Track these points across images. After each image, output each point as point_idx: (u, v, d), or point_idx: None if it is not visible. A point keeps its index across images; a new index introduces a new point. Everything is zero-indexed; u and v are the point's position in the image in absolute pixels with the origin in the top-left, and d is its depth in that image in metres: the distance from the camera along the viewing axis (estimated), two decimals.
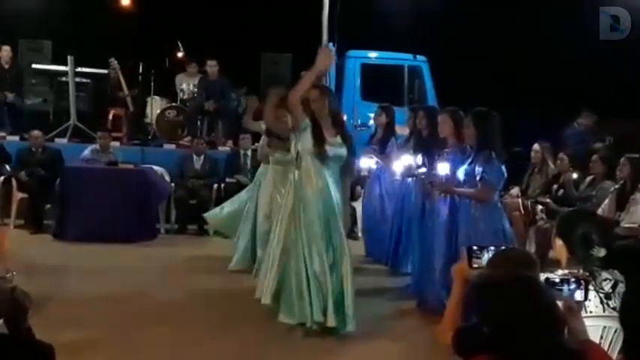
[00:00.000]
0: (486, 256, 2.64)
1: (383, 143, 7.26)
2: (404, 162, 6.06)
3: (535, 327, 2.01)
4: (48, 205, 8.56)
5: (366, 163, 7.34)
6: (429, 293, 5.40)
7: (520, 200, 7.52)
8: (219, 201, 8.89)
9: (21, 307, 2.08)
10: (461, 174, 4.99)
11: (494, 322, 2.06)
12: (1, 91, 10.13)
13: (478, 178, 4.80)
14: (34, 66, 10.65)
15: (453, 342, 2.39)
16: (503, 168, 4.88)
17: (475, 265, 2.65)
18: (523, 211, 7.39)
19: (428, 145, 6.01)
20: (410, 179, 6.32)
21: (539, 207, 7.29)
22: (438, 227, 5.27)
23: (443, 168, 5.17)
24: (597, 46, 10.70)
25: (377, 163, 7.21)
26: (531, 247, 6.95)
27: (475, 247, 2.69)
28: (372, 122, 10.56)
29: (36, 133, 8.95)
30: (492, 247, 2.69)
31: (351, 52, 10.97)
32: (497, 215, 4.94)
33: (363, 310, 5.71)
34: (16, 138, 9.74)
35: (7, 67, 10.36)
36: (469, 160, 4.96)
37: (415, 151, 6.08)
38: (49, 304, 5.30)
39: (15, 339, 2.00)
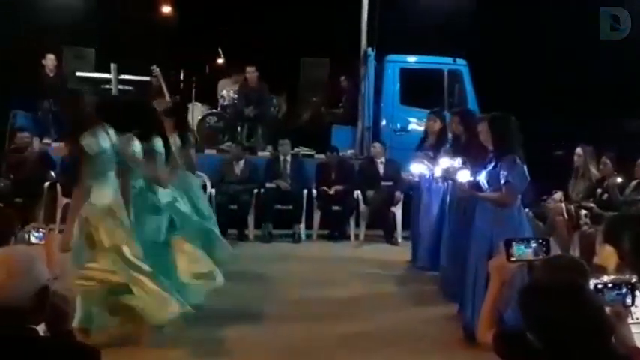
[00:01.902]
0: (526, 250, 2.61)
1: (436, 149, 7.19)
2: (443, 165, 6.03)
3: (583, 333, 1.98)
4: None
5: (417, 168, 7.31)
6: (465, 299, 5.34)
7: (563, 205, 7.40)
8: (259, 206, 8.96)
9: (60, 311, 2.12)
10: (482, 178, 4.97)
11: (542, 327, 2.04)
12: (45, 98, 10.34)
13: (503, 182, 4.78)
14: (78, 74, 10.81)
15: (494, 345, 2.37)
16: (526, 171, 4.85)
17: (513, 258, 2.62)
18: (567, 216, 7.27)
19: (465, 148, 5.97)
20: (449, 182, 6.28)
21: (583, 212, 7.17)
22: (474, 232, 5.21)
23: (464, 175, 5.16)
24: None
25: (428, 168, 7.16)
26: (575, 252, 6.83)
27: (514, 241, 2.66)
28: (412, 127, 10.55)
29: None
30: (533, 240, 2.66)
31: (390, 57, 10.92)
32: (519, 219, 4.90)
33: (405, 315, 5.77)
34: (61, 145, 9.92)
35: (51, 75, 10.57)
36: (492, 165, 4.94)
37: (454, 155, 6.04)
38: None
39: (58, 342, 2.03)
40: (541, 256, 2.66)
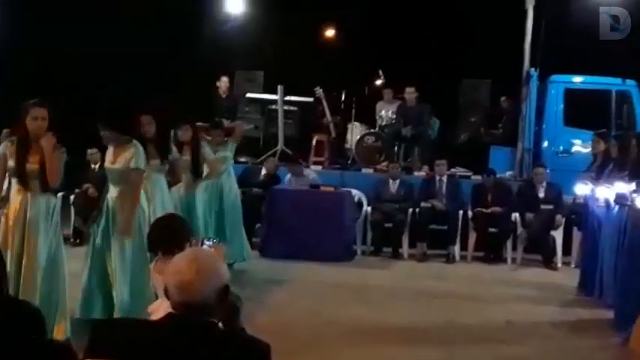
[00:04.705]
0: None
1: (600, 170, 6.98)
2: (617, 189, 5.83)
3: None
4: (258, 225, 8.97)
5: (582, 190, 7.11)
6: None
7: None
8: (414, 225, 9.06)
9: (234, 308, 2.37)
10: None
11: None
12: (218, 118, 11.09)
13: None
14: (248, 95, 11.52)
15: None
16: None
17: None
18: None
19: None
20: (619, 207, 6.04)
21: None
22: None
23: None
24: None
25: (592, 190, 6.96)
26: None
27: None
28: (575, 149, 10.23)
29: (271, 159, 9.89)
30: None
31: (554, 77, 10.66)
32: None
33: (565, 343, 5.59)
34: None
35: (224, 96, 11.34)
36: None
37: (630, 179, 5.81)
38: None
39: (235, 335, 2.28)
40: None
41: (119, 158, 5.22)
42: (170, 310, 2.21)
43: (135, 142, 5.27)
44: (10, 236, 4.75)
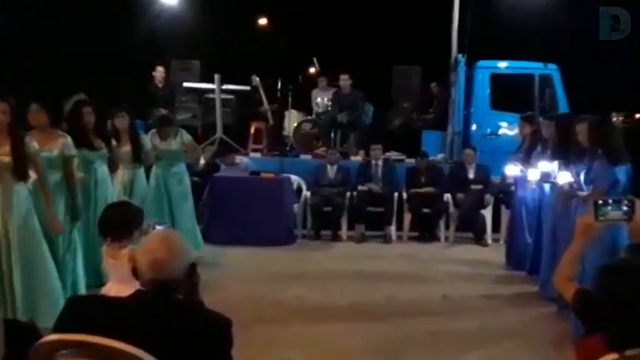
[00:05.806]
0: (614, 211, 2.72)
1: (529, 152, 7.29)
2: (542, 168, 6.16)
3: None
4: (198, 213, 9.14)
5: (511, 171, 7.48)
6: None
7: None
8: (352, 208, 9.34)
9: (193, 283, 2.54)
10: (581, 179, 5.12)
11: (618, 305, 2.19)
12: (155, 107, 11.11)
13: (590, 183, 4.92)
14: (184, 84, 11.54)
15: (574, 302, 2.56)
16: (620, 171, 4.91)
17: (601, 218, 2.72)
18: None
19: (564, 152, 6.08)
20: (546, 185, 6.40)
21: None
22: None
23: (564, 177, 5.29)
24: None
25: (521, 171, 7.31)
26: None
27: (601, 201, 2.75)
28: (502, 131, 10.70)
29: (209, 148, 10.03)
30: (624, 202, 2.75)
31: (481, 63, 11.08)
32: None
33: (502, 316, 5.86)
34: None
35: (160, 86, 11.34)
36: (589, 166, 5.07)
37: (552, 158, 6.14)
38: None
39: (198, 310, 2.39)
40: (628, 218, 2.75)
41: (48, 146, 5.22)
42: (123, 291, 2.37)
43: (62, 132, 5.34)
44: None
